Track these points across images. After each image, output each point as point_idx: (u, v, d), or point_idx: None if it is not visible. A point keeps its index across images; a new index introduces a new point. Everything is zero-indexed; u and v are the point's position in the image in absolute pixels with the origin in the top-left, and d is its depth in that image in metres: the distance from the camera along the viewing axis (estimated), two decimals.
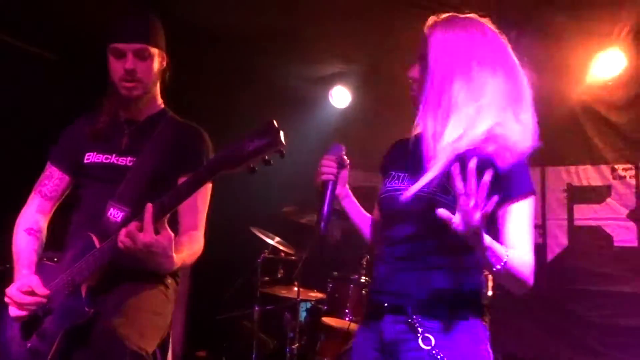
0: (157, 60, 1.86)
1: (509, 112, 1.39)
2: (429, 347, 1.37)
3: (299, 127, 4.55)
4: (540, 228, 4.36)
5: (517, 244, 1.36)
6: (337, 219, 4.45)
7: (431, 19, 1.49)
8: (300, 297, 3.71)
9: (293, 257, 3.99)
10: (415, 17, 3.54)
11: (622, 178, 4.11)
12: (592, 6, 3.24)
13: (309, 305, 4.00)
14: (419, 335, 1.39)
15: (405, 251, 1.48)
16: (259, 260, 3.88)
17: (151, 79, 1.86)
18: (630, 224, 4.05)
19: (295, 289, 3.73)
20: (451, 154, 1.33)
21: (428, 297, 1.42)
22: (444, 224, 1.27)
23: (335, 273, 3.67)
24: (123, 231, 1.52)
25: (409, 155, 1.51)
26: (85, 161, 1.88)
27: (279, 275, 4.03)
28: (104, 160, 1.86)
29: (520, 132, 1.38)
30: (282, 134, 1.36)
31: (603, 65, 3.82)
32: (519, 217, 1.39)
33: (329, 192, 1.60)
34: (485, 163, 1.29)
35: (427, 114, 1.41)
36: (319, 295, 3.81)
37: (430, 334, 1.38)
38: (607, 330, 3.98)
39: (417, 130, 1.51)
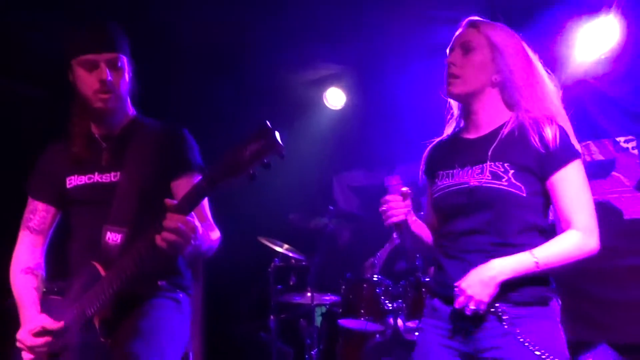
0: (128, 69, 1.81)
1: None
2: (515, 334, 1.43)
3: (295, 131, 4.55)
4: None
5: (567, 217, 1.53)
6: (344, 220, 4.45)
7: (472, 19, 1.66)
8: (315, 302, 3.69)
9: (304, 263, 3.97)
10: (408, 19, 3.57)
11: (625, 150, 4.09)
12: None
13: (324, 309, 3.98)
14: (504, 323, 1.44)
15: (473, 243, 1.53)
16: (270, 270, 3.86)
17: (125, 88, 1.80)
18: (638, 195, 4.02)
19: (309, 294, 3.71)
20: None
21: (507, 285, 1.46)
22: (506, 209, 1.48)
23: (348, 274, 3.65)
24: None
25: (455, 153, 1.64)
26: (69, 186, 1.81)
27: (292, 283, 4.01)
28: (87, 181, 1.80)
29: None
30: (277, 134, 1.31)
31: (596, 39, 3.81)
32: (566, 186, 1.53)
33: (405, 232, 1.64)
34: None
35: (515, 100, 1.59)
36: (333, 298, 3.79)
37: (514, 320, 1.45)
38: (619, 305, 3.94)
39: (450, 129, 1.75)
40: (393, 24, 3.54)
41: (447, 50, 1.66)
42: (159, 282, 1.79)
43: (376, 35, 3.81)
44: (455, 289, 1.47)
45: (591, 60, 3.97)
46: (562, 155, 1.51)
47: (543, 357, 1.42)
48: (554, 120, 1.54)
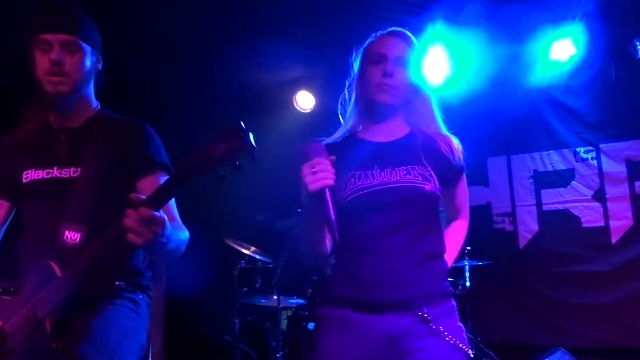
0: (89, 58, 1.71)
1: None
2: (439, 332, 1.49)
3: (264, 133, 4.52)
4: (510, 215, 4.45)
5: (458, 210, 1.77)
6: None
7: (399, 31, 1.70)
8: (281, 305, 3.67)
9: (270, 265, 3.95)
10: (376, 21, 3.60)
11: (584, 160, 4.23)
12: None
13: (290, 312, 3.97)
14: (430, 324, 1.49)
15: (392, 243, 1.53)
16: (235, 271, 3.82)
17: (81, 75, 1.69)
18: (596, 204, 4.17)
19: (275, 297, 3.69)
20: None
21: (429, 287, 1.53)
22: (429, 209, 1.58)
23: (315, 277, 3.65)
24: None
25: (369, 154, 1.64)
26: (24, 181, 1.71)
27: (258, 285, 3.99)
28: (45, 176, 1.69)
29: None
30: (251, 135, 1.26)
31: (557, 53, 3.94)
32: (462, 189, 1.75)
33: (329, 196, 1.43)
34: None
35: (420, 117, 1.69)
36: (299, 301, 3.78)
37: (436, 320, 1.50)
38: (578, 309, 4.09)
39: (357, 130, 1.77)
40: (360, 26, 3.58)
41: (373, 53, 1.67)
42: (117, 283, 1.70)
43: (346, 38, 3.84)
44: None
45: (552, 74, 4.11)
46: (462, 167, 1.70)
47: (462, 346, 1.51)
48: (451, 138, 1.71)
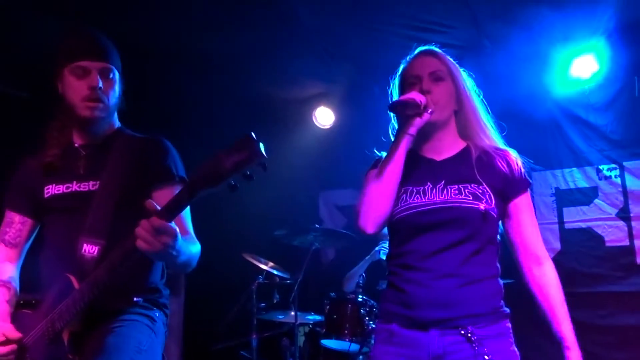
0: (119, 83, 1.79)
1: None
2: (483, 354, 1.45)
3: (283, 148, 4.56)
4: None
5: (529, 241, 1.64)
6: (330, 239, 4.42)
7: (426, 49, 1.71)
8: (298, 321, 3.65)
9: (288, 281, 3.94)
10: (396, 39, 3.63)
11: (607, 178, 4.15)
12: (567, 10, 3.31)
13: (307, 329, 3.94)
14: (474, 345, 1.46)
15: (441, 262, 1.52)
16: (253, 287, 3.82)
17: (114, 100, 1.77)
18: (620, 223, 4.08)
19: (292, 313, 3.68)
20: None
21: (475, 306, 1.50)
22: (482, 229, 1.52)
23: (332, 294, 3.63)
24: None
25: (423, 172, 1.63)
26: (46, 196, 1.77)
27: (275, 301, 3.97)
28: (65, 190, 1.74)
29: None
30: (261, 145, 1.27)
31: (579, 69, 3.90)
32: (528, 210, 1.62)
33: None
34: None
35: (472, 130, 1.66)
36: (317, 317, 3.76)
37: (482, 341, 1.46)
38: (604, 331, 3.97)
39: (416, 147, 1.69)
40: (381, 44, 3.60)
41: (408, 77, 1.68)
42: (135, 298, 1.73)
43: (366, 56, 3.86)
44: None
45: (575, 90, 4.07)
46: (524, 182, 1.63)
47: None
48: (508, 152, 1.67)
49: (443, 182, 1.58)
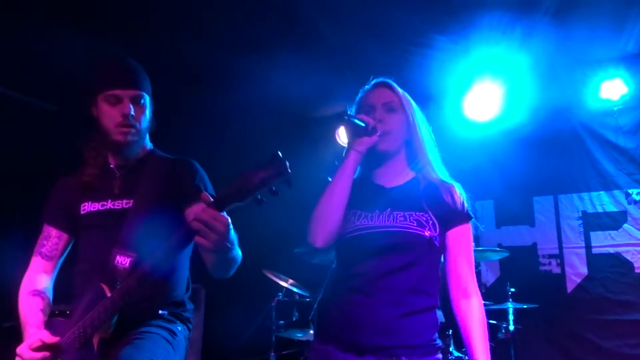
0: (150, 108, 1.89)
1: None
2: None
3: (306, 165, 4.56)
4: (557, 257, 4.28)
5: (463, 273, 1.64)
6: None
7: (382, 80, 1.78)
8: None
9: (308, 299, 3.92)
10: (417, 58, 3.63)
11: (637, 202, 4.06)
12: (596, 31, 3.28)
13: None
14: None
15: (386, 286, 1.55)
16: (272, 304, 3.81)
17: (146, 125, 1.88)
18: None
19: (312, 331, 3.64)
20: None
21: (413, 337, 1.52)
22: (425, 256, 1.55)
23: None
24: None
25: (372, 197, 1.68)
26: (82, 212, 1.87)
27: (294, 319, 3.95)
28: (100, 208, 1.85)
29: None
30: (287, 163, 1.36)
31: (607, 91, 3.85)
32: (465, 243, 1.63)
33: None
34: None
35: (421, 162, 1.72)
36: None
37: None
38: None
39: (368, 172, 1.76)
40: (401, 61, 3.61)
41: (363, 105, 1.75)
42: (160, 311, 1.79)
43: (391, 76, 3.87)
44: None
45: (603, 113, 4.01)
46: (465, 215, 1.66)
47: None
48: (453, 185, 1.70)
49: (389, 208, 1.62)
